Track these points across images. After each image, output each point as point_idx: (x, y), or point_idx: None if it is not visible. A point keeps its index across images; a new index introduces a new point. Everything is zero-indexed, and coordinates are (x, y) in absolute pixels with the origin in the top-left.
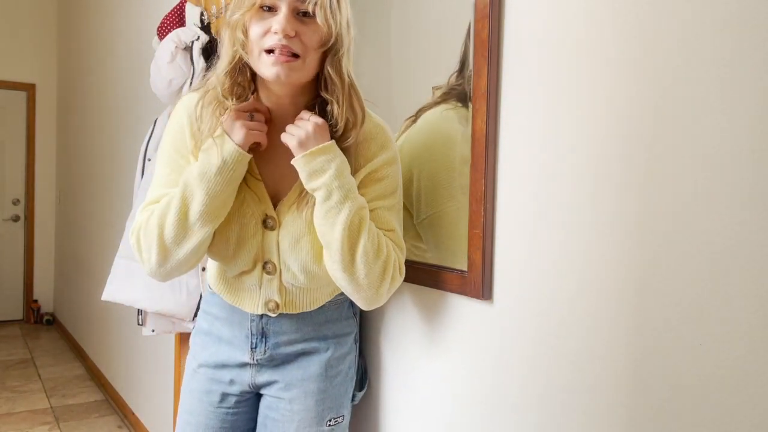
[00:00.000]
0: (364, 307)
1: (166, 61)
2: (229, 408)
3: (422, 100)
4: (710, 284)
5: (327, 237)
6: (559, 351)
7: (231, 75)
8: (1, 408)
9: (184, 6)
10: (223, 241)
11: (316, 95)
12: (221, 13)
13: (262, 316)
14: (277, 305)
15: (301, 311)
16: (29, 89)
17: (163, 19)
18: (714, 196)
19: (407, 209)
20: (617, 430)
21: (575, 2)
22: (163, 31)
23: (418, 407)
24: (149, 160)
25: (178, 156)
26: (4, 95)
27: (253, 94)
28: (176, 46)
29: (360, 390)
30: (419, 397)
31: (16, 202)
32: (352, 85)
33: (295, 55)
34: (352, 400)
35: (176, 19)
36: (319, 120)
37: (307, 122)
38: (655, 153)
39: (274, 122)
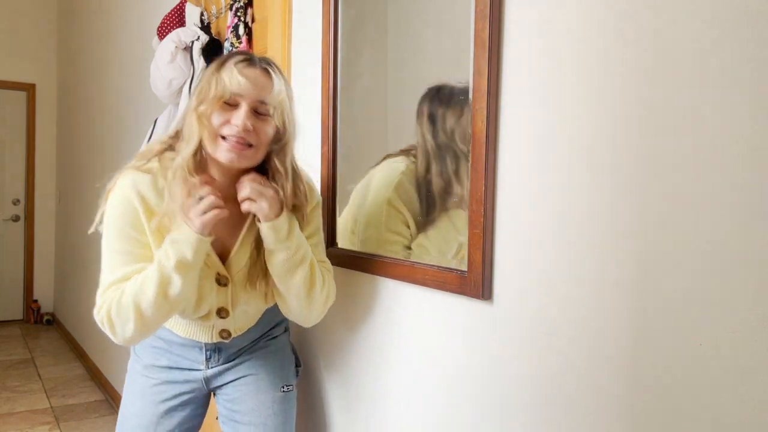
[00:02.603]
0: (305, 325)
1: (166, 61)
2: (179, 404)
3: (417, 99)
4: (710, 284)
5: (287, 283)
6: (559, 351)
7: (194, 157)
8: (1, 408)
9: (184, 6)
10: None
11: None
12: (221, 13)
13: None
14: (229, 333)
15: (248, 329)
16: (29, 89)
17: (163, 19)
18: (714, 196)
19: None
20: (618, 430)
21: (575, 2)
22: (163, 31)
23: (417, 407)
24: None
25: (135, 232)
26: (4, 95)
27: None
28: (176, 46)
29: (298, 366)
30: (418, 397)
31: (16, 202)
32: (294, 172)
33: (249, 145)
34: (296, 375)
35: (176, 19)
36: (271, 191)
37: (267, 191)
38: (656, 153)
39: (220, 191)
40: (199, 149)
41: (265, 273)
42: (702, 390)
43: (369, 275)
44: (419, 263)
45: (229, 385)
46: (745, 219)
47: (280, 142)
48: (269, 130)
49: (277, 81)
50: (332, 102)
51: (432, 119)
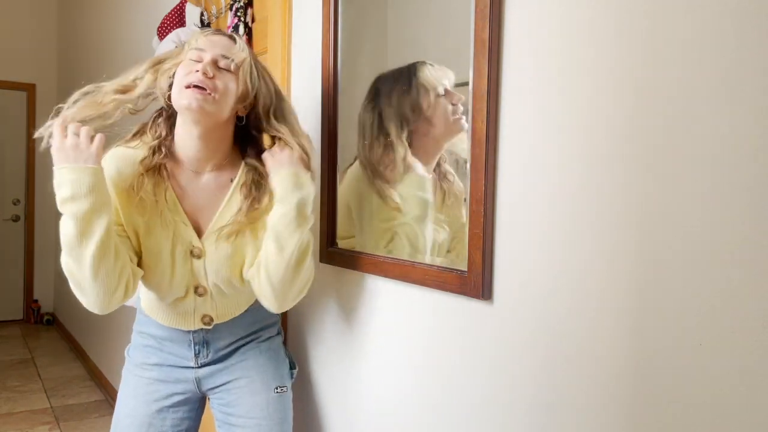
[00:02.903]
0: (276, 310)
1: None
2: (171, 405)
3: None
4: (710, 284)
5: (285, 242)
6: (559, 351)
7: (110, 98)
8: (1, 408)
9: (184, 6)
10: (159, 273)
11: (238, 158)
12: (221, 13)
13: (199, 329)
14: (211, 319)
15: (231, 317)
16: (29, 89)
17: (163, 19)
18: (715, 196)
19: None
20: (618, 430)
21: (575, 2)
22: (163, 31)
23: (416, 408)
24: None
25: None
26: (4, 95)
27: (167, 139)
28: (176, 46)
29: (293, 368)
30: (418, 398)
31: (16, 202)
32: (295, 130)
33: (209, 93)
34: (291, 377)
35: (176, 19)
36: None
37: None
38: (657, 153)
39: (192, 171)
40: (165, 114)
41: (245, 234)
42: (702, 390)
43: (368, 275)
44: (419, 263)
45: (221, 388)
46: (745, 218)
47: (258, 108)
48: (230, 83)
49: (240, 42)
50: (332, 102)
51: (388, 97)
